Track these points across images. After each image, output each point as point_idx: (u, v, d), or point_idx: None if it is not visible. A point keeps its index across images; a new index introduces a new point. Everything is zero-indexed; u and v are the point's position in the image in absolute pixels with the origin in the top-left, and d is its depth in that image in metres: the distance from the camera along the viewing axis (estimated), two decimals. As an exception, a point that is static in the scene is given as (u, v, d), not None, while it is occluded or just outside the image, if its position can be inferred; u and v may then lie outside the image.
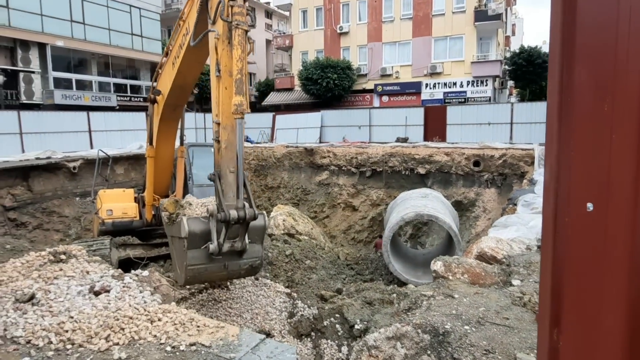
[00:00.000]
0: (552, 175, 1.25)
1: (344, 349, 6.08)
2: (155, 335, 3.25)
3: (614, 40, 1.12)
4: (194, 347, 3.10)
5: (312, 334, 6.59)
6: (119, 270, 4.59)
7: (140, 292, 3.98)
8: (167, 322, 3.42)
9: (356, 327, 6.11)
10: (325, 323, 6.55)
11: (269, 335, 6.73)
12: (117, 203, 9.52)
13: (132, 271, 4.62)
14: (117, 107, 25.67)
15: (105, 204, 9.29)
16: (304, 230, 11.38)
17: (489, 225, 17.20)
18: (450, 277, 5.45)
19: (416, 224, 18.34)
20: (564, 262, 1.25)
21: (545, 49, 38.84)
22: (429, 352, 3.93)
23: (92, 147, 20.01)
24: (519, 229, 7.95)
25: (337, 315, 6.57)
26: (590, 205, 1.22)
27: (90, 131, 20.46)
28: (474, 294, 4.89)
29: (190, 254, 5.16)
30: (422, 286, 5.67)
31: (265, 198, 22.53)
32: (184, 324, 3.40)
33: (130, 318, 3.43)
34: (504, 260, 6.09)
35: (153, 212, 9.43)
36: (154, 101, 8.10)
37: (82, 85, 25.66)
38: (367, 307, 6.54)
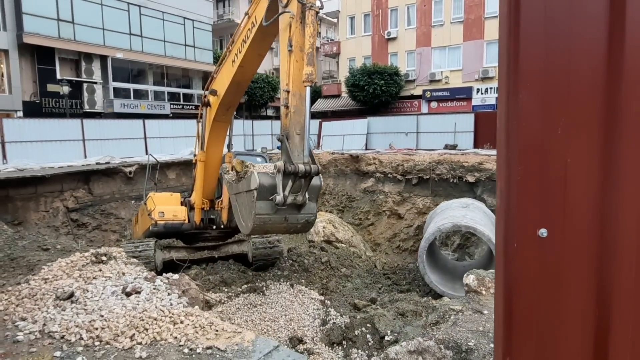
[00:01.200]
0: (502, 199, 1.22)
1: (374, 359, 6.03)
2: (175, 337, 3.41)
3: (566, 64, 1.08)
4: (209, 351, 3.22)
5: (344, 342, 6.58)
6: (152, 272, 4.84)
7: (168, 294, 4.18)
8: (188, 324, 3.57)
9: (387, 338, 6.04)
10: (356, 332, 6.53)
11: (301, 341, 6.80)
12: (167, 206, 9.94)
13: (164, 274, 4.85)
14: (171, 115, 26.95)
15: (157, 206, 9.71)
16: (344, 237, 11.37)
17: (542, 237, 16.33)
18: (483, 292, 5.27)
19: (464, 234, 17.82)
20: (515, 288, 1.22)
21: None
22: (450, 368, 3.83)
23: (146, 153, 21.13)
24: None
25: (368, 325, 6.52)
26: (543, 231, 1.18)
27: (145, 138, 21.60)
28: (505, 310, 4.71)
29: (259, 204, 5.99)
30: (452, 300, 5.52)
31: (309, 204, 22.72)
32: (203, 327, 3.53)
33: (155, 319, 3.61)
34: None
35: (202, 217, 9.83)
36: (207, 104, 8.62)
37: (139, 95, 27.17)
38: (400, 318, 6.45)
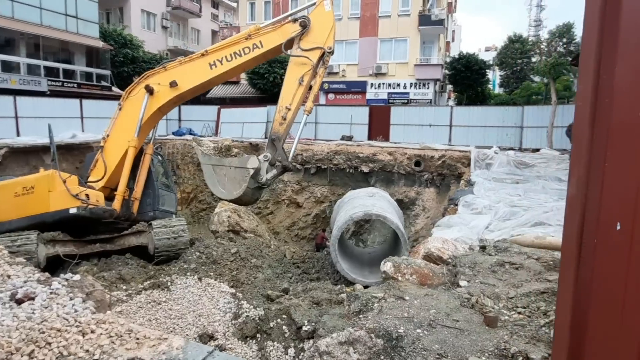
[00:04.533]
0: (579, 191, 1.13)
1: (291, 351, 5.89)
2: (87, 350, 2.88)
3: None
4: (133, 363, 2.77)
5: (258, 335, 6.33)
6: (46, 273, 4.09)
7: (71, 299, 3.54)
8: (101, 334, 3.05)
9: (304, 328, 5.93)
10: (271, 324, 6.32)
11: (212, 337, 6.40)
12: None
13: (62, 275, 4.13)
14: (48, 92, 23.68)
15: (74, 187, 8.39)
16: (250, 227, 11.03)
17: (428, 223, 17.70)
18: (400, 278, 5.42)
19: (358, 221, 18.52)
20: (590, 290, 1.14)
21: (483, 56, 40.78)
22: (382, 357, 3.83)
23: (18, 135, 18.29)
24: (461, 229, 8.14)
25: (284, 316, 6.35)
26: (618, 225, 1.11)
27: (17, 117, 18.70)
28: (424, 296, 4.88)
29: (251, 180, 7.79)
30: (373, 287, 5.59)
31: (207, 193, 21.79)
32: (121, 336, 3.04)
33: (58, 330, 3.02)
34: (449, 260, 6.17)
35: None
36: (152, 91, 8.71)
37: (9, 67, 23.41)
38: (315, 307, 6.38)
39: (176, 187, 15.87)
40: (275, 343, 6.10)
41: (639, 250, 1.26)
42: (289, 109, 8.07)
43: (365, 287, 6.74)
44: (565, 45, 35.43)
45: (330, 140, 22.58)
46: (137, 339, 3.03)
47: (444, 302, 4.71)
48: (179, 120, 26.80)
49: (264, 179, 7.94)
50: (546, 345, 3.82)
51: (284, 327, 6.21)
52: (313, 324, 5.87)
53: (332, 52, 8.12)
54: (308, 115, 8.27)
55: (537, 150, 19.34)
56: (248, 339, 6.35)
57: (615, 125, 1.14)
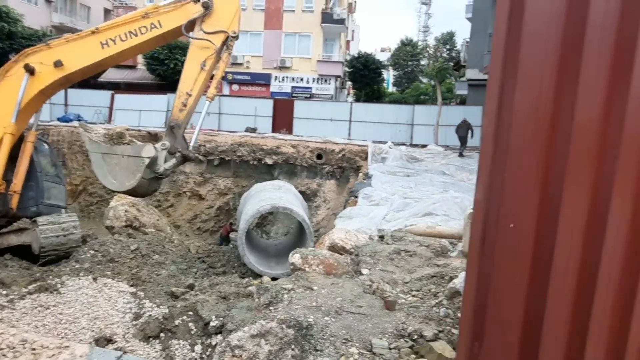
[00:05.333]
0: (483, 194, 1.30)
1: (198, 347, 5.74)
2: (-29, 368, 2.54)
3: (545, 80, 1.19)
4: (29, 377, 2.51)
5: (162, 335, 6.05)
6: None
7: (-55, 311, 3.08)
8: (-12, 347, 2.71)
9: (212, 323, 5.81)
10: (176, 322, 6.08)
11: (110, 341, 5.97)
12: None
13: None
14: None
15: None
16: (150, 222, 10.42)
17: (329, 214, 18.32)
18: (307, 269, 5.58)
19: (262, 214, 18.50)
20: (490, 278, 1.32)
21: (379, 56, 42.99)
22: (292, 346, 3.93)
23: None
24: (361, 220, 8.60)
25: (190, 312, 6.15)
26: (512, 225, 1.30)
27: None
28: (330, 285, 5.09)
29: (146, 170, 7.21)
30: (282, 279, 5.68)
31: (98, 185, 20.08)
32: (13, 347, 2.73)
33: None
34: (352, 250, 6.49)
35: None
36: (32, 71, 7.70)
37: None
38: (223, 302, 6.28)
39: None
40: (180, 341, 5.89)
41: (526, 245, 1.48)
42: (190, 95, 7.53)
43: (273, 278, 6.80)
44: (448, 52, 38.80)
45: (235, 132, 22.15)
46: (34, 349, 2.75)
47: (349, 290, 4.96)
48: (66, 105, 24.20)
49: (162, 169, 7.35)
50: (437, 323, 4.23)
51: (191, 324, 6.02)
52: (221, 318, 5.77)
53: (236, 37, 7.66)
54: (210, 102, 7.80)
55: (425, 146, 21.00)
56: (151, 339, 6.04)
57: (513, 142, 1.34)
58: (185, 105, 7.50)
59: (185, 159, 7.78)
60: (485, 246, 1.43)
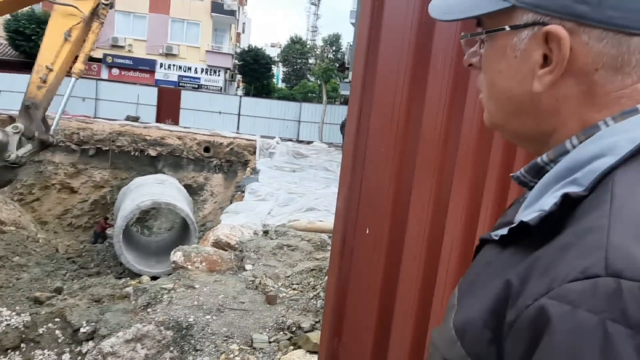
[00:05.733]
0: (345, 204, 1.44)
1: (66, 356, 5.24)
2: None
3: (397, 100, 1.36)
4: None
5: (23, 345, 5.39)
6: None
7: None
8: None
9: (82, 330, 5.34)
10: (40, 331, 5.46)
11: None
12: None
13: None
14: None
15: None
16: (10, 218, 9.11)
17: (216, 208, 17.91)
18: (190, 267, 5.43)
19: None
20: (348, 279, 1.46)
21: (269, 51, 42.94)
22: (171, 348, 3.83)
23: None
24: (247, 215, 8.60)
25: (57, 319, 5.57)
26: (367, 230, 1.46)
27: None
28: (213, 282, 5.03)
29: None
30: (162, 279, 5.45)
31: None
32: None
33: None
34: (237, 246, 6.48)
35: None
36: None
37: None
38: (96, 305, 5.81)
39: None
40: (45, 351, 5.32)
41: (379, 249, 1.67)
42: (51, 70, 6.52)
43: (153, 278, 6.49)
44: (334, 53, 40.34)
45: (114, 120, 20.34)
46: None
47: (232, 287, 4.97)
48: None
49: (13, 156, 6.29)
50: (314, 315, 4.47)
51: (57, 331, 5.46)
52: (93, 323, 5.34)
53: (109, 5, 6.76)
54: (77, 79, 6.94)
55: (311, 142, 21.66)
56: (9, 351, 5.35)
57: (368, 158, 1.51)
58: (44, 82, 6.52)
59: (44, 145, 6.84)
60: (345, 250, 1.59)
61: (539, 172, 0.59)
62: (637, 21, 0.51)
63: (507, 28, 0.56)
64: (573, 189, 0.49)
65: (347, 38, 48.42)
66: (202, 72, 29.84)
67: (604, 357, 0.38)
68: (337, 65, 28.01)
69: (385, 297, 1.68)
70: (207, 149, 19.02)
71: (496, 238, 0.58)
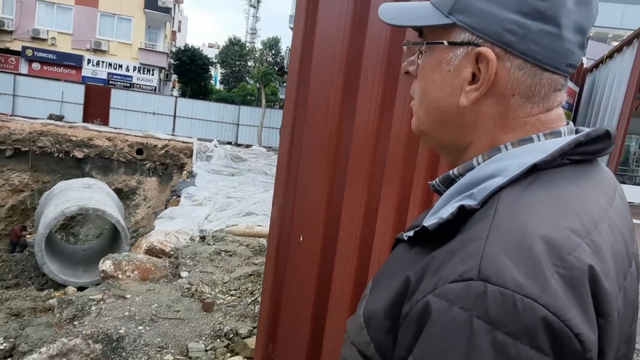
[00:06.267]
0: (279, 214, 1.48)
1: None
2: None
3: (330, 111, 1.44)
4: None
5: None
6: None
7: None
8: None
9: (-2, 347, 4.92)
10: (-53, 350, 4.95)
11: None
12: None
13: None
14: None
15: None
16: None
17: (150, 213, 17.16)
18: (121, 276, 5.19)
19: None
20: (283, 285, 1.50)
21: (207, 52, 41.89)
22: (101, 361, 3.64)
23: None
24: (183, 220, 8.36)
25: (-33, 337, 5.08)
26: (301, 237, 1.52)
27: None
28: (146, 291, 4.85)
29: None
30: (90, 289, 5.15)
31: None
32: None
33: None
34: (172, 252, 6.28)
35: None
36: None
37: None
38: (15, 320, 5.37)
39: None
40: (-47, 372, 4.83)
41: (313, 254, 1.73)
42: None
43: (80, 288, 6.10)
44: (274, 57, 40.19)
45: (35, 119, 18.81)
46: None
47: (166, 295, 4.82)
48: None
49: None
50: (252, 320, 4.46)
51: (-32, 350, 4.98)
52: (12, 339, 4.93)
53: None
54: None
55: (250, 146, 21.45)
56: None
57: (301, 166, 1.57)
58: None
59: None
60: (279, 257, 1.63)
61: (450, 182, 0.66)
62: (551, 59, 0.59)
63: (446, 43, 0.62)
64: (468, 202, 0.56)
65: (287, 42, 48.44)
66: (134, 70, 28.47)
67: (468, 347, 0.44)
68: (277, 68, 27.97)
69: (319, 301, 1.75)
70: (139, 151, 18.17)
71: (405, 238, 0.64)
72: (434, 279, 0.50)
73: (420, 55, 0.68)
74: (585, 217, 0.54)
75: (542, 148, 0.58)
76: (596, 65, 3.92)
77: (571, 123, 0.66)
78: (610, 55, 3.52)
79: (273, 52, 41.29)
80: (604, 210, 0.57)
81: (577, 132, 0.63)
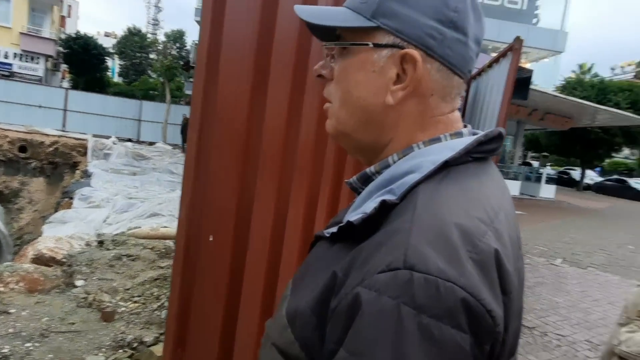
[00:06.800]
0: (187, 214, 1.42)
1: None
2: None
3: (239, 110, 1.41)
4: None
5: None
6: None
7: None
8: None
9: None
10: None
11: None
12: None
13: None
14: None
15: None
16: None
17: (36, 218, 15.34)
18: (3, 289, 4.59)
19: None
20: (192, 288, 1.45)
21: (103, 41, 38.52)
22: (-22, 387, 3.20)
23: None
24: (77, 224, 7.62)
25: None
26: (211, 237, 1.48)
27: None
28: (34, 304, 4.35)
29: None
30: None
31: None
32: None
33: None
34: (64, 260, 5.70)
35: None
36: None
37: None
38: None
39: None
40: None
41: (224, 254, 1.71)
42: None
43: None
44: (178, 50, 38.33)
45: None
46: None
47: (59, 307, 4.38)
48: None
49: None
50: (158, 327, 4.23)
51: None
52: None
53: None
54: None
55: (153, 143, 20.25)
56: None
57: (211, 166, 1.54)
58: None
59: None
60: (188, 259, 1.58)
61: (367, 180, 0.68)
62: (460, 64, 0.64)
63: (371, 45, 0.64)
64: (389, 197, 0.58)
65: (193, 35, 46.53)
66: (15, 57, 25.24)
67: (396, 333, 0.46)
68: (182, 63, 26.69)
69: (230, 303, 1.72)
70: (23, 149, 16.16)
71: (327, 235, 0.65)
72: (362, 271, 0.52)
73: (332, 59, 0.69)
74: (488, 207, 0.59)
75: (451, 146, 0.63)
76: (479, 73, 4.39)
77: (469, 125, 0.72)
78: (489, 65, 3.96)
79: (177, 45, 39.33)
80: (500, 201, 0.63)
81: (474, 134, 0.69)
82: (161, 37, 46.83)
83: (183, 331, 1.65)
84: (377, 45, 0.64)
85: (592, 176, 35.71)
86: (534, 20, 24.81)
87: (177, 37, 42.76)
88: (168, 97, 22.92)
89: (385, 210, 0.58)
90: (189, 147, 1.66)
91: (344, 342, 0.50)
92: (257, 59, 1.71)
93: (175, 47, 37.99)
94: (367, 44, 0.64)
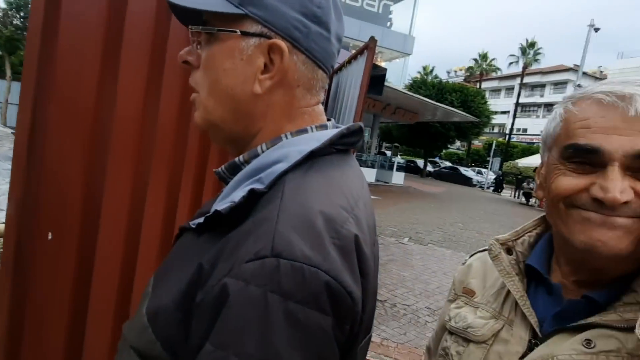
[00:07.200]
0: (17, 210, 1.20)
1: None
2: None
3: (84, 90, 1.22)
4: None
5: None
6: None
7: None
8: None
9: None
10: None
11: None
12: None
13: None
14: None
15: None
16: None
17: None
18: None
19: None
20: (27, 294, 1.23)
21: None
22: None
23: None
24: None
25: None
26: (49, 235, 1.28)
27: None
28: None
29: None
30: None
31: None
32: None
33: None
34: None
35: None
36: None
37: None
38: None
39: None
40: None
41: (67, 254, 1.49)
42: None
43: None
44: (22, 20, 32.34)
45: None
46: None
47: None
48: None
49: None
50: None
51: None
52: None
53: None
54: None
55: (-14, 125, 16.90)
56: None
57: (47, 154, 1.33)
58: None
59: None
60: (20, 261, 1.35)
61: (235, 169, 0.67)
62: (324, 59, 0.66)
63: (239, 32, 0.62)
64: (257, 186, 0.58)
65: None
66: None
67: (263, 321, 0.46)
68: (26, 34, 22.62)
69: (76, 309, 1.52)
70: None
71: (193, 226, 0.62)
72: (230, 262, 0.50)
73: (200, 45, 0.66)
74: (349, 196, 0.62)
75: (317, 137, 0.65)
76: (339, 69, 4.63)
77: (333, 119, 0.74)
78: (349, 61, 4.21)
79: (22, 14, 33.02)
80: (359, 191, 0.67)
81: (337, 127, 0.71)
82: (1, 4, 38.78)
83: (17, 345, 1.41)
84: (245, 34, 0.63)
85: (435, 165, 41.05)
86: (388, 24, 27.20)
87: (21, 5, 35.78)
88: (8, 73, 19.34)
89: (253, 199, 0.57)
90: (18, 130, 1.40)
91: (210, 335, 0.48)
92: (108, 27, 1.51)
93: (19, 16, 31.87)
94: (235, 31, 0.63)
